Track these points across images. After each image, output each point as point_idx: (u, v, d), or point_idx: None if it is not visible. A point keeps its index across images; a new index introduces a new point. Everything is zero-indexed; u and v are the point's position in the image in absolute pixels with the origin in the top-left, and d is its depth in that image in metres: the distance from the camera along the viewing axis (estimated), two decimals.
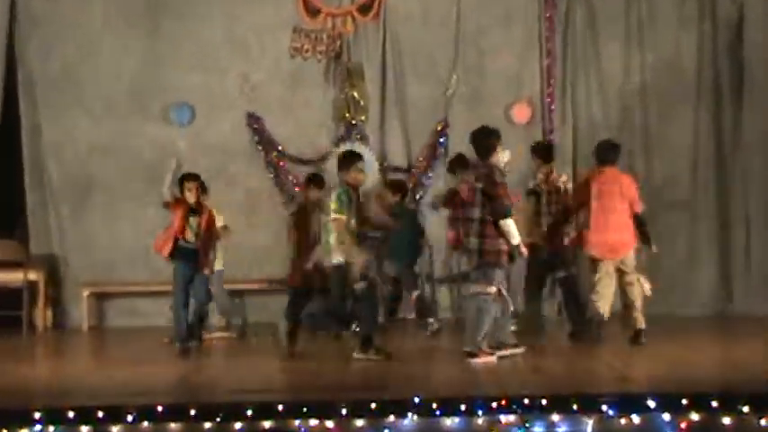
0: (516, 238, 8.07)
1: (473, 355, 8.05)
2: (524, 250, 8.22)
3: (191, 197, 9.29)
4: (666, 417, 6.14)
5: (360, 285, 8.43)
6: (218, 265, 10.00)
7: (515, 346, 8.43)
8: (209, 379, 8.00)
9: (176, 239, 9.24)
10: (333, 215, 8.34)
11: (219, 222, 9.90)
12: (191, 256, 9.27)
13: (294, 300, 9.56)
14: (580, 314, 9.39)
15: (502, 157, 8.26)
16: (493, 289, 8.11)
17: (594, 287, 9.01)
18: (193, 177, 9.42)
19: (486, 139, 8.22)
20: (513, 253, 8.16)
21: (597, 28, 12.09)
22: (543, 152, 9.94)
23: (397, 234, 10.11)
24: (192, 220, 9.29)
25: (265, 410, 6.18)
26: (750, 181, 11.71)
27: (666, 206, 11.84)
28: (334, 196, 8.40)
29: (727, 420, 6.12)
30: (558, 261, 9.58)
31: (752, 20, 11.75)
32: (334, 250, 8.47)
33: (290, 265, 9.75)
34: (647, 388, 6.51)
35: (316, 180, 10.11)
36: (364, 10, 12.00)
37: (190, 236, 9.27)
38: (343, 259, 8.42)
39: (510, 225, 8.04)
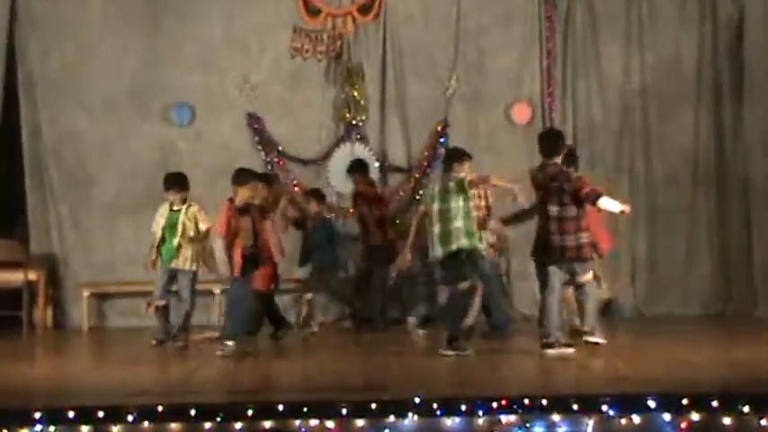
0: (618, 206, 8.40)
1: (591, 335, 8.62)
2: (627, 208, 8.46)
3: (250, 197, 8.99)
4: (667, 417, 6.13)
5: (464, 285, 8.49)
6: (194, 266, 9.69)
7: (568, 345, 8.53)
8: (210, 379, 8.00)
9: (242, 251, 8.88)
10: (461, 201, 8.49)
11: (203, 225, 9.55)
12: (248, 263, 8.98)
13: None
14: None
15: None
16: (590, 276, 8.54)
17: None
18: (257, 176, 9.18)
19: (556, 142, 8.64)
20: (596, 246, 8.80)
21: (597, 28, 12.09)
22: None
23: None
24: (245, 222, 8.94)
25: (265, 410, 6.17)
26: (750, 181, 11.71)
27: (666, 206, 11.86)
28: (453, 184, 8.54)
29: (727, 420, 6.11)
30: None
31: (752, 20, 11.74)
32: (459, 235, 8.47)
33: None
34: (648, 388, 6.50)
35: (265, 179, 10.05)
36: (364, 10, 12.00)
37: (248, 242, 8.95)
38: (468, 244, 8.49)
39: (607, 201, 8.38)
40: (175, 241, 9.44)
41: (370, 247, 10.96)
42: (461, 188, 8.58)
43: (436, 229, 8.57)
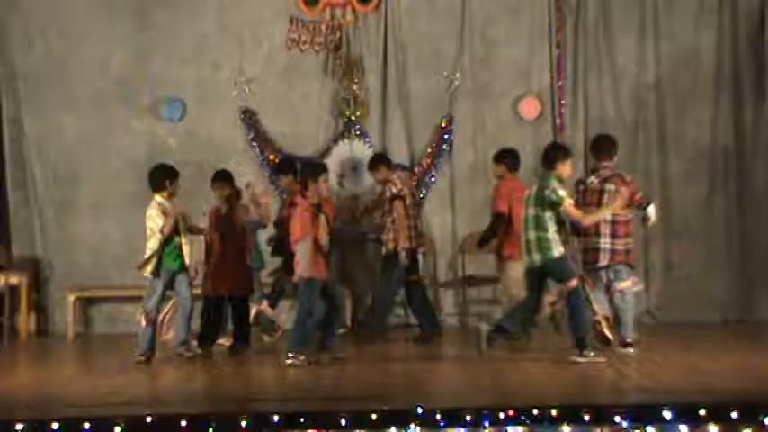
0: (654, 215, 9.31)
1: (630, 345, 8.95)
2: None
3: (324, 191, 8.84)
4: (684, 428, 6.14)
5: (572, 284, 8.56)
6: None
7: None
8: (202, 388, 8.00)
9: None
10: (565, 202, 8.56)
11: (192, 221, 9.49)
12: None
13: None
14: (431, 316, 10.54)
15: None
16: (629, 283, 9.02)
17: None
18: (324, 169, 9.07)
19: (612, 144, 9.31)
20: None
21: (610, 18, 12.05)
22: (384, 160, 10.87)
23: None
24: (322, 219, 8.75)
25: (260, 421, 6.18)
26: None
27: (683, 206, 11.85)
28: (554, 183, 8.61)
29: None
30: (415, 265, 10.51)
31: None
32: (555, 242, 8.59)
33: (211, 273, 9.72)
34: (663, 398, 6.51)
35: (222, 177, 9.91)
36: (364, 0, 11.99)
37: (326, 241, 8.78)
38: (562, 251, 8.66)
39: (653, 210, 9.24)
40: (177, 240, 9.19)
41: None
42: (561, 191, 8.65)
43: (532, 235, 8.68)
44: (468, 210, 11.67)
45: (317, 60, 11.95)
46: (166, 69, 11.87)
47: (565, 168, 8.80)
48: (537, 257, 8.64)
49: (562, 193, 8.58)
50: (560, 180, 8.71)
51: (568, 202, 8.61)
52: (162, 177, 9.26)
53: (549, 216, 8.60)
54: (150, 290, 9.16)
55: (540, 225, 8.61)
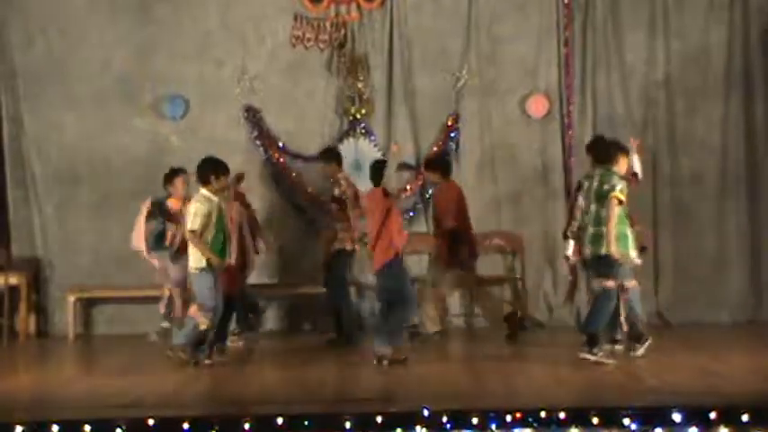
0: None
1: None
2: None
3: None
4: (693, 431, 6.14)
5: (609, 284, 8.63)
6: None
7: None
8: (204, 390, 8.01)
9: None
10: (614, 195, 8.60)
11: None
12: None
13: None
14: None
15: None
16: (633, 283, 9.14)
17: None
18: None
19: (608, 149, 9.18)
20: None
21: (619, 14, 12.02)
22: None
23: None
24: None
25: (264, 424, 6.19)
26: None
27: (693, 205, 11.83)
28: (616, 179, 8.70)
29: None
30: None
31: None
32: (610, 239, 8.61)
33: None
34: (673, 400, 6.51)
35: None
36: None
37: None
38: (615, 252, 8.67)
39: (636, 162, 9.53)
40: (222, 236, 9.07)
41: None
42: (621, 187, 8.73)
43: (591, 230, 8.78)
44: (475, 209, 11.63)
45: (322, 57, 11.94)
46: (168, 66, 11.87)
47: (623, 164, 8.94)
48: (588, 250, 8.76)
49: (620, 187, 8.67)
50: (621, 178, 8.80)
51: (617, 198, 8.61)
52: (207, 171, 9.13)
53: (617, 206, 8.66)
54: (200, 286, 8.98)
55: (599, 221, 8.69)
